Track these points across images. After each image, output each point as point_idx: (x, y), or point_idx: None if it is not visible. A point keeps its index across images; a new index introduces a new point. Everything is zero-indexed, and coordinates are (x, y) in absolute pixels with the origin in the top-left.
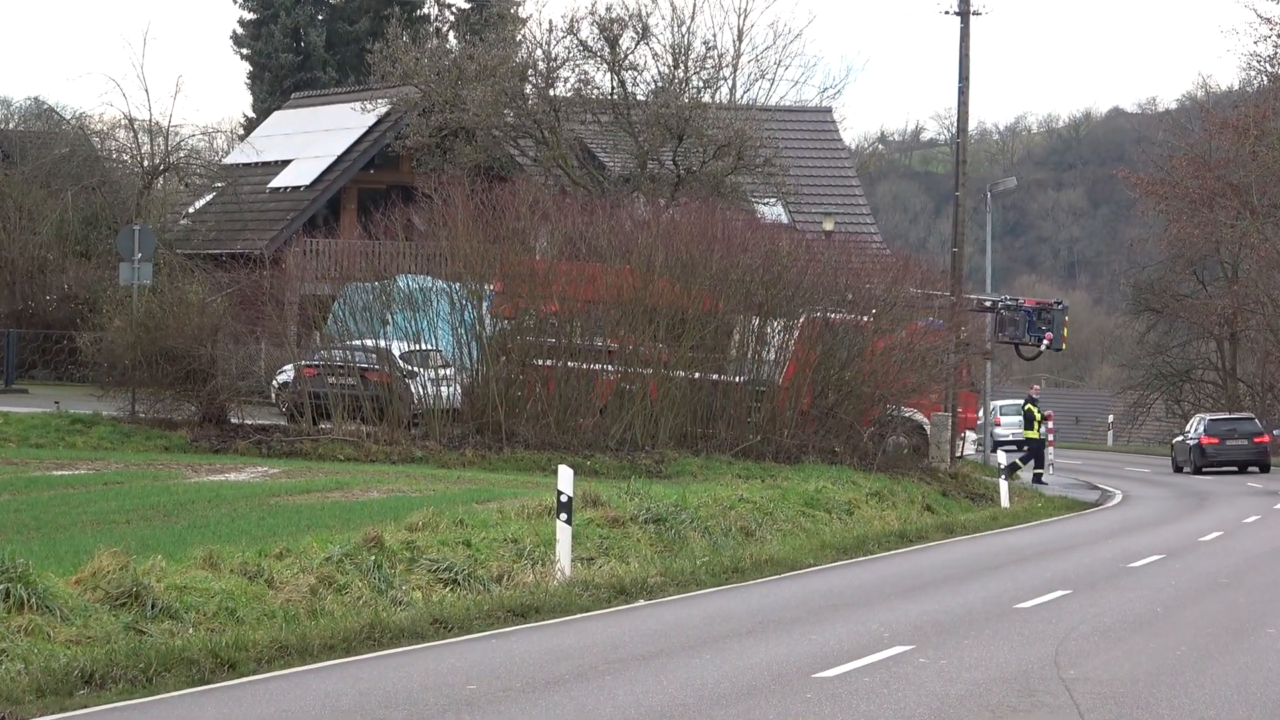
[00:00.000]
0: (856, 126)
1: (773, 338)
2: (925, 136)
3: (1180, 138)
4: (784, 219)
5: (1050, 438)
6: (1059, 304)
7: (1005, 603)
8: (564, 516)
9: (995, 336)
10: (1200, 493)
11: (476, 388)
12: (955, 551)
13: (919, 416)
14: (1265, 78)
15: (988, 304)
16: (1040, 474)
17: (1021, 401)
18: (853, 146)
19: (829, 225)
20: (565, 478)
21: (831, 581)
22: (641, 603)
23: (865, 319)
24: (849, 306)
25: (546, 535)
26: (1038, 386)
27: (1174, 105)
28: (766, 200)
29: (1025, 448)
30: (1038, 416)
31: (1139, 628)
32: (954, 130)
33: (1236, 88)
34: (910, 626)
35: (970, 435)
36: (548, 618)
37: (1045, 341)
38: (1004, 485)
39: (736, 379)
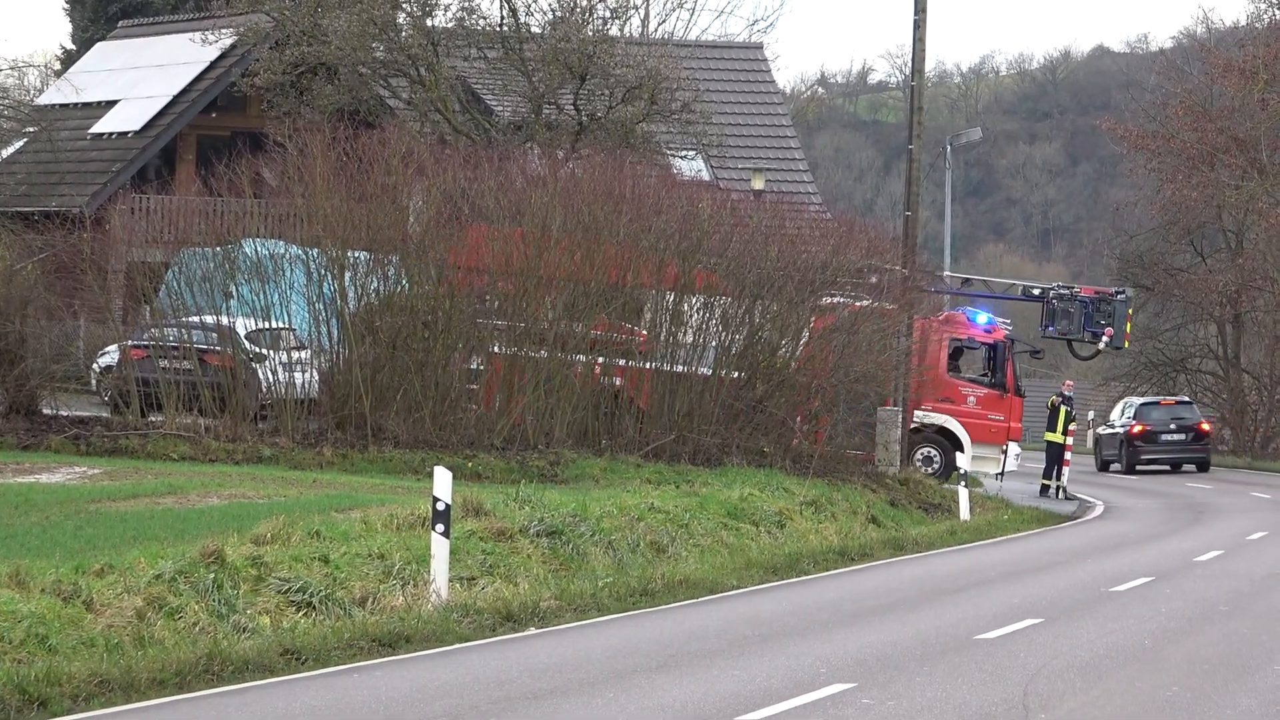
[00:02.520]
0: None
1: (691, 316)
2: (874, 79)
3: (1176, 82)
4: (705, 175)
5: (1069, 442)
6: (1120, 293)
7: (965, 633)
8: (440, 528)
9: (1044, 331)
10: (1196, 504)
11: (337, 374)
12: (906, 572)
13: (949, 422)
14: (1276, 11)
15: (1035, 292)
16: (1049, 485)
17: (1052, 398)
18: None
19: (759, 183)
20: (442, 482)
21: (759, 607)
22: (532, 631)
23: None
24: (782, 278)
25: (420, 550)
26: (1071, 383)
27: (1169, 44)
28: (685, 153)
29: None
30: (1062, 419)
31: (1123, 663)
32: (907, 72)
33: (1243, 23)
34: (852, 661)
35: (1014, 449)
36: (420, 648)
37: (1105, 338)
38: (963, 494)
39: (647, 365)
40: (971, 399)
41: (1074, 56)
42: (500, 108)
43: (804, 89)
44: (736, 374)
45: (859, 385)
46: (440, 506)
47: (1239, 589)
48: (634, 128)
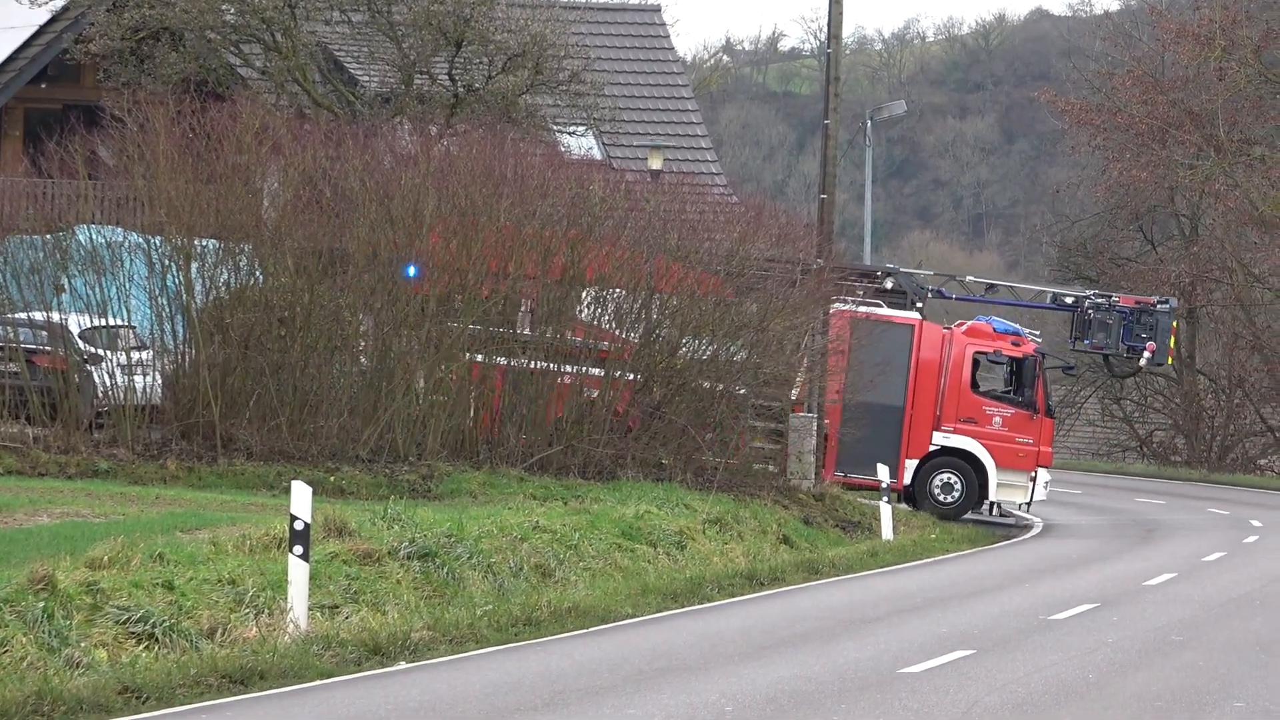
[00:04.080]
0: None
1: (580, 311)
2: (785, 46)
3: (1123, 49)
4: (597, 154)
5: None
6: (1164, 302)
7: (888, 666)
8: (299, 550)
9: (1075, 344)
10: (1146, 521)
11: (183, 377)
12: (821, 598)
13: (971, 444)
14: None
15: (1068, 301)
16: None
17: None
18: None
19: (656, 162)
20: (301, 498)
21: (656, 637)
22: (403, 665)
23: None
24: (682, 268)
25: (275, 576)
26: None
27: (1115, 6)
28: (574, 129)
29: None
30: None
31: (1064, 700)
32: (823, 38)
33: None
34: (761, 698)
35: (1044, 476)
36: (276, 685)
37: (1146, 354)
38: (886, 511)
39: (531, 366)
40: (997, 419)
41: (1009, 21)
42: (366, 78)
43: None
44: (632, 376)
45: (769, 389)
46: (298, 526)
47: (1194, 617)
48: (516, 100)
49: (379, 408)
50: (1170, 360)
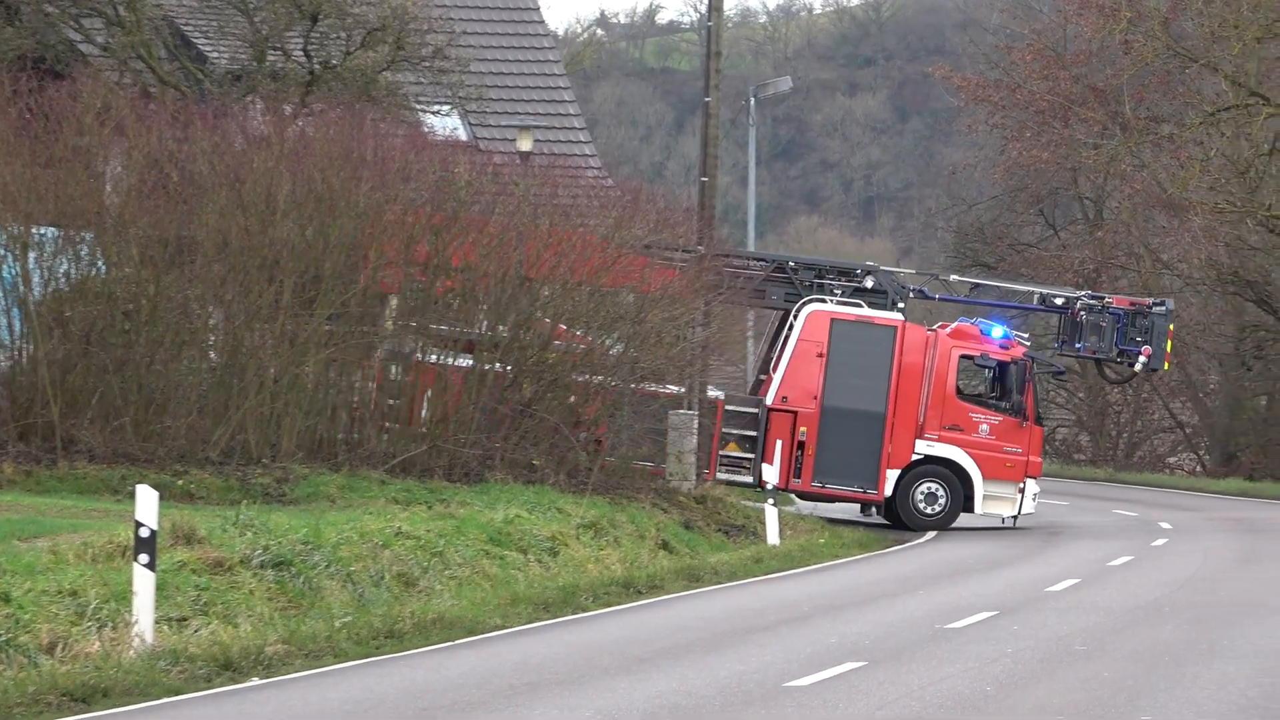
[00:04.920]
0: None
1: (447, 303)
2: (663, 18)
3: (1023, 22)
4: (463, 134)
5: None
6: (1160, 304)
7: (773, 679)
8: (145, 559)
9: (1065, 348)
10: (1048, 524)
11: (19, 375)
12: (703, 607)
13: (956, 453)
14: None
15: (1058, 302)
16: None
17: None
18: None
19: (526, 143)
20: (147, 503)
21: (528, 649)
22: (255, 682)
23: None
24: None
25: (119, 586)
26: None
27: None
28: (438, 108)
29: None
30: None
31: (960, 714)
32: (703, 10)
33: None
34: (638, 714)
35: (1033, 487)
36: (121, 703)
37: (1142, 358)
38: (771, 514)
39: (394, 364)
40: (984, 427)
41: None
42: (216, 54)
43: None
44: (500, 368)
45: (643, 384)
46: (144, 533)
47: (1099, 625)
48: (376, 78)
49: (230, 406)
50: (1167, 365)
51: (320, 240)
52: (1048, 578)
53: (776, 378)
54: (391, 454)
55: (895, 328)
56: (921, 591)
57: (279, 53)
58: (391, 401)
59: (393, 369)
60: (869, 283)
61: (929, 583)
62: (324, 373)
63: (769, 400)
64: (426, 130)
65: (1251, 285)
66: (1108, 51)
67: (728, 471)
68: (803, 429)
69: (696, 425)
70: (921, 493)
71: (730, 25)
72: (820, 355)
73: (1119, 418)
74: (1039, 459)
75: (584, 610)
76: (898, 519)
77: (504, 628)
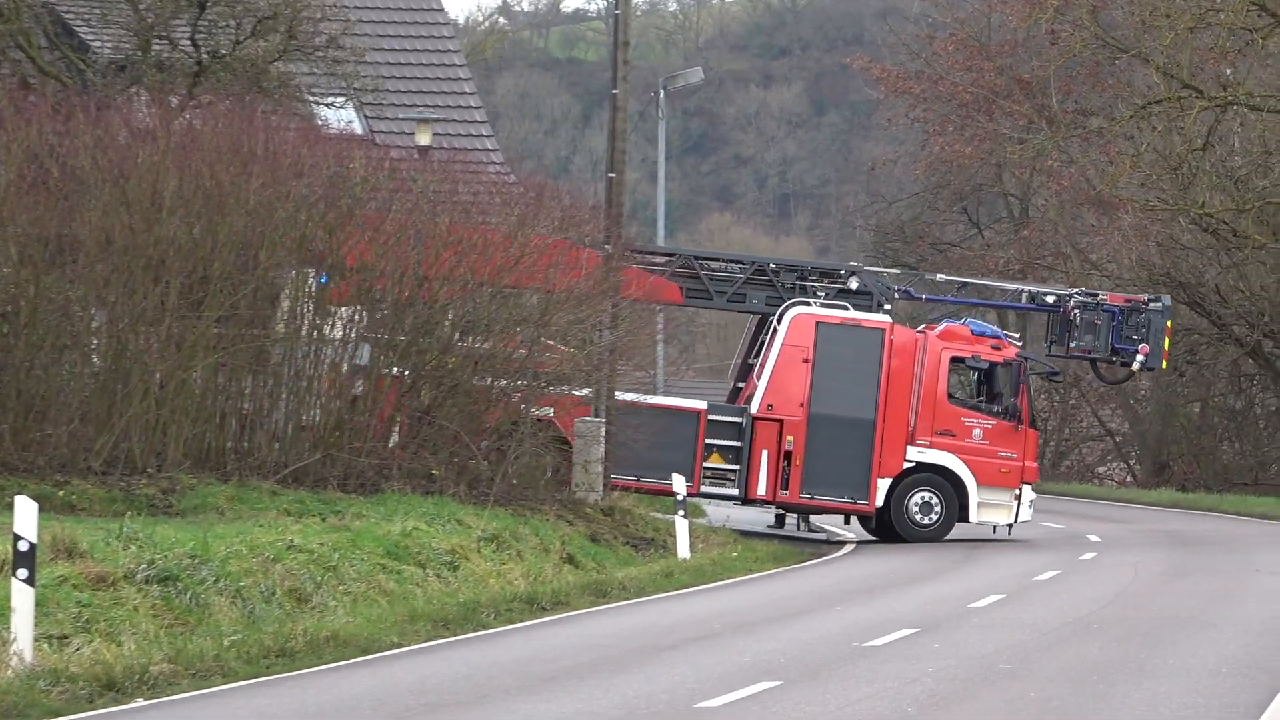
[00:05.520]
0: None
1: (340, 304)
2: (569, 7)
3: (946, 10)
4: (358, 128)
5: None
6: (1156, 299)
7: (683, 700)
8: (23, 574)
9: (1052, 347)
10: (972, 536)
11: None
12: (610, 624)
13: (949, 460)
14: None
15: (1049, 300)
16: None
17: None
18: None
19: (425, 137)
20: (25, 515)
21: (426, 669)
22: (140, 703)
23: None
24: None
25: None
26: None
27: None
28: (332, 100)
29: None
30: None
31: None
32: None
33: None
34: None
35: (1028, 493)
36: None
37: (1140, 357)
38: (682, 527)
39: (287, 366)
40: (978, 432)
41: None
42: (99, 43)
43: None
44: (397, 373)
45: (548, 392)
46: (23, 547)
47: (1025, 643)
48: (267, 68)
49: (114, 413)
50: (1165, 364)
51: (208, 239)
52: (971, 593)
53: (761, 385)
54: (283, 463)
55: (883, 330)
56: (839, 607)
57: (165, 42)
58: (283, 408)
59: (357, 383)
60: (854, 284)
61: (847, 598)
62: (213, 378)
63: (753, 409)
64: (320, 123)
65: (1184, 287)
66: (1034, 42)
67: (712, 485)
68: (789, 438)
69: (604, 433)
70: (916, 502)
71: (639, 14)
72: (806, 360)
73: (1046, 425)
74: (1035, 464)
75: (485, 627)
76: (889, 531)
77: (401, 646)
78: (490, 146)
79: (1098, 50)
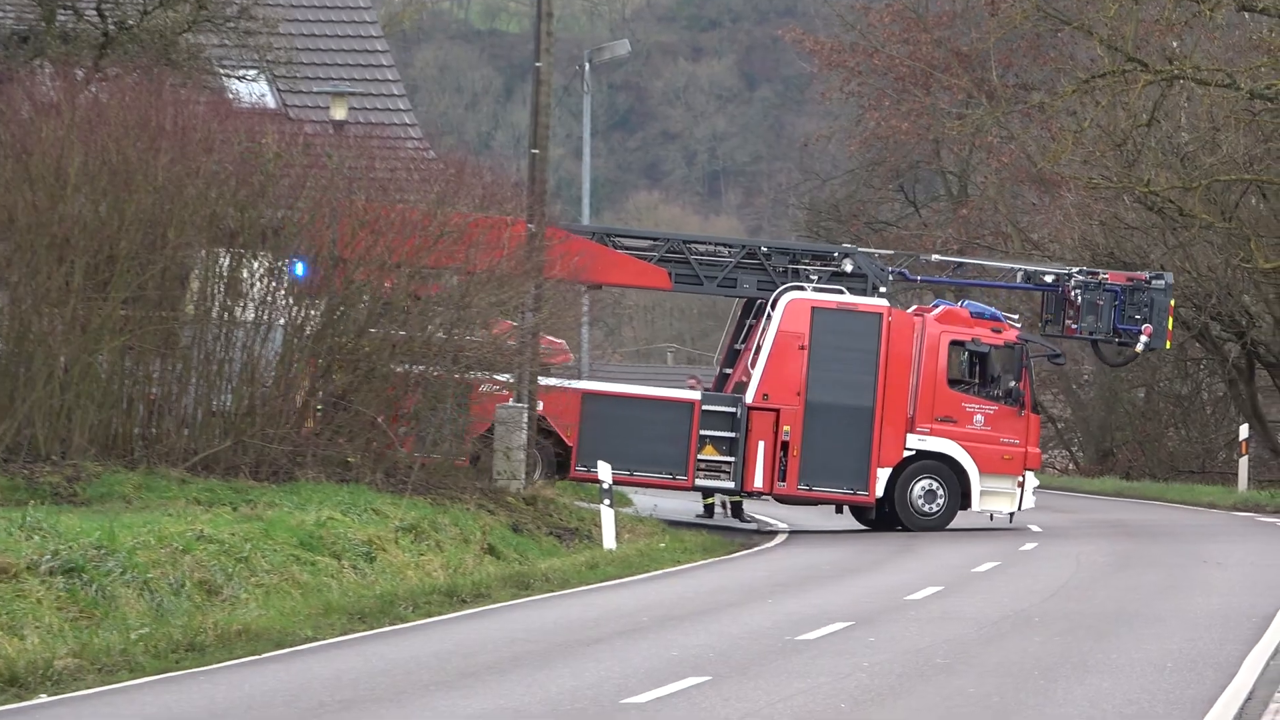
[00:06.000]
0: None
1: (251, 284)
2: None
3: None
4: (271, 102)
5: None
6: (1158, 277)
7: (609, 696)
8: None
9: (1047, 327)
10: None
11: None
12: (533, 617)
13: (951, 447)
14: None
15: (1048, 279)
16: (714, 503)
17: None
18: None
19: (340, 111)
20: None
21: (341, 664)
22: (43, 699)
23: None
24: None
25: None
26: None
27: None
28: (244, 72)
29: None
30: None
31: None
32: None
33: None
34: None
35: (1032, 479)
36: None
37: (1144, 337)
38: (607, 516)
39: (197, 349)
40: (979, 418)
41: None
42: (0, 14)
43: None
44: (311, 360)
45: (473, 375)
46: None
47: (963, 636)
48: (176, 39)
49: (16, 399)
50: (1169, 344)
51: (115, 217)
52: (907, 585)
53: (756, 374)
54: (193, 450)
55: (880, 314)
56: (770, 600)
57: (70, 12)
58: (193, 393)
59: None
60: (848, 266)
61: (778, 590)
62: (120, 361)
63: (749, 398)
64: (231, 97)
65: (1129, 268)
66: (973, 13)
67: (706, 477)
68: (786, 428)
69: (526, 419)
70: (920, 489)
71: None
72: (802, 348)
73: None
74: (1037, 450)
75: (403, 621)
76: (888, 521)
77: (315, 640)
78: (408, 121)
79: (1039, 22)
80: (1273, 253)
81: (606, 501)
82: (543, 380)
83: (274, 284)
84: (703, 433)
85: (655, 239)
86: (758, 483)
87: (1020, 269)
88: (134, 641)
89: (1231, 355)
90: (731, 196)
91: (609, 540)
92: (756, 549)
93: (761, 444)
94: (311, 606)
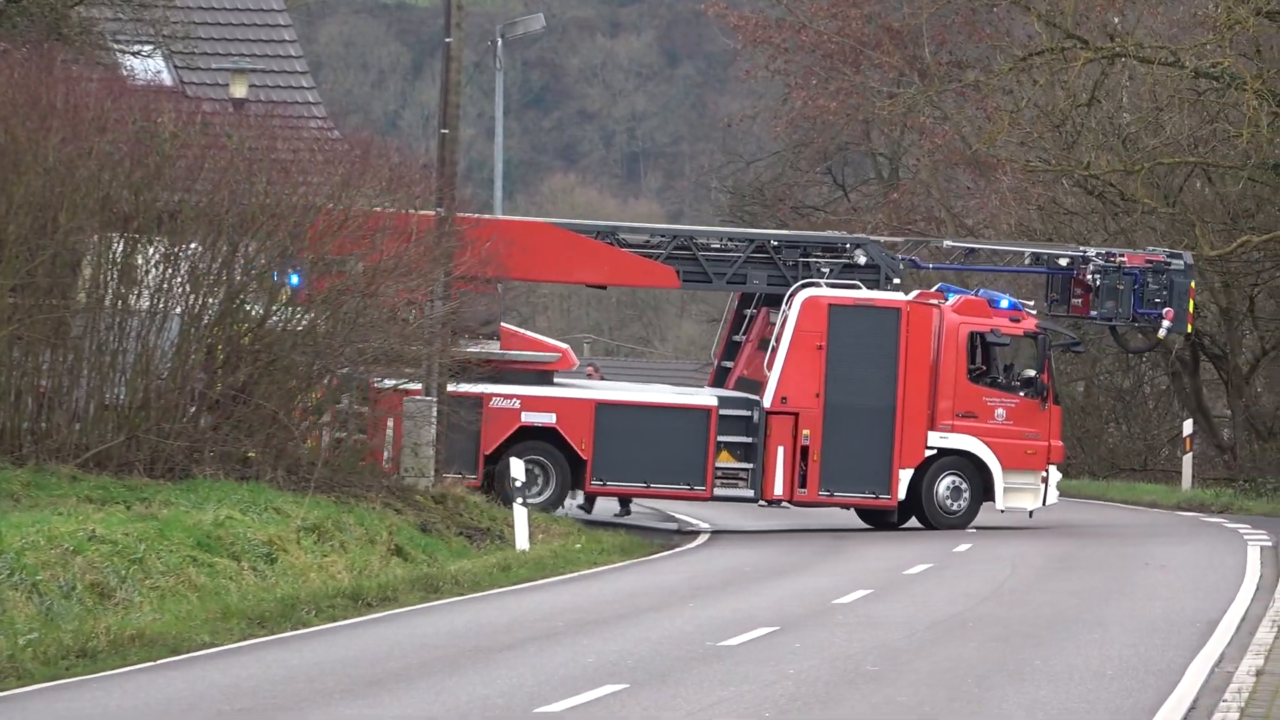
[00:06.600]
0: None
1: (147, 271)
2: None
3: None
4: (167, 78)
5: None
6: (1177, 257)
7: (521, 705)
8: None
9: (1057, 309)
10: (836, 527)
11: None
12: (442, 621)
13: (973, 444)
14: None
15: (1062, 263)
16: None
17: None
18: None
19: (241, 89)
20: None
21: (239, 672)
22: None
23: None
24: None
25: None
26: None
27: None
28: (139, 48)
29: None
30: None
31: None
32: None
33: None
34: None
35: (1055, 474)
36: None
37: (1166, 322)
38: (520, 516)
39: (89, 339)
40: (1001, 412)
41: None
42: None
43: None
44: (210, 351)
45: (379, 367)
46: None
47: (892, 642)
48: (67, 13)
49: None
50: (1190, 328)
51: (2, 200)
52: (835, 588)
53: (773, 376)
54: (84, 446)
55: (900, 309)
56: (692, 604)
57: None
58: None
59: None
60: (860, 258)
61: (700, 594)
62: (7, 352)
63: (766, 402)
64: (126, 74)
65: None
66: None
67: (724, 486)
68: (805, 431)
69: (435, 413)
70: (946, 488)
71: None
72: (820, 347)
73: None
74: (1060, 443)
75: (306, 625)
76: (914, 521)
77: (213, 646)
78: (312, 99)
79: None
80: (1219, 239)
81: (520, 500)
82: (550, 390)
83: (170, 270)
84: (719, 439)
85: (660, 234)
86: (778, 490)
87: (1031, 250)
88: (22, 647)
89: (1175, 347)
90: (651, 179)
91: (522, 541)
92: (677, 550)
93: (781, 449)
94: (209, 610)
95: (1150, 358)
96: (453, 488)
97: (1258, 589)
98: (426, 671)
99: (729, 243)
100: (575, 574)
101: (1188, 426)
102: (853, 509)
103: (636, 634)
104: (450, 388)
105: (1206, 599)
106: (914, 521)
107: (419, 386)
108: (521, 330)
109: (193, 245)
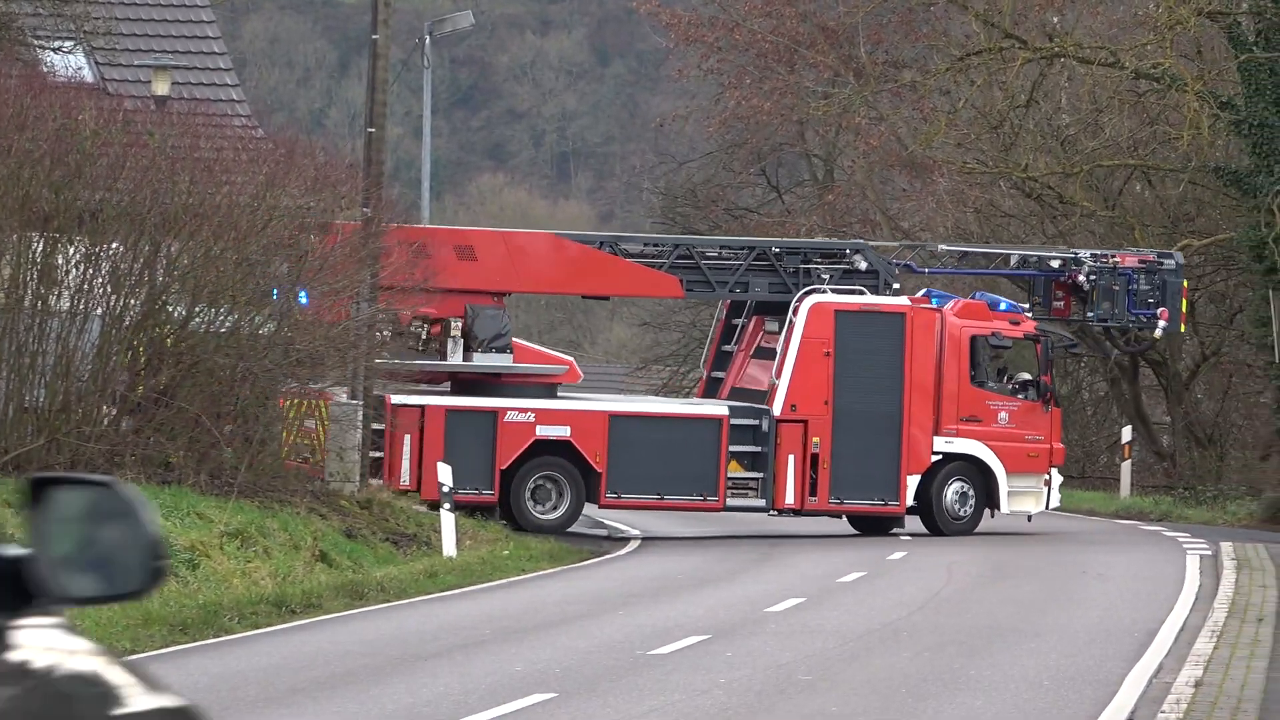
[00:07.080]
0: None
1: (67, 271)
2: None
3: None
4: (88, 75)
5: None
6: (1169, 257)
7: (447, 713)
8: None
9: (1039, 311)
10: (768, 533)
11: None
12: (367, 629)
13: (977, 448)
14: None
15: (1054, 264)
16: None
17: None
18: None
19: (163, 86)
20: None
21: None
22: None
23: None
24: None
25: None
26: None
27: None
28: (59, 44)
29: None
30: None
31: None
32: None
33: None
34: None
35: (1057, 477)
36: None
37: (1162, 323)
38: (448, 521)
39: (7, 340)
40: (1003, 415)
41: None
42: None
43: None
44: (131, 353)
45: (303, 370)
46: None
47: (826, 651)
48: None
49: None
50: (1184, 328)
51: None
52: (767, 596)
53: (782, 384)
54: (3, 449)
55: (904, 314)
56: (621, 612)
57: None
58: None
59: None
60: (861, 264)
61: (630, 601)
62: None
63: (776, 410)
64: (46, 70)
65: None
66: None
67: (735, 496)
68: (815, 439)
69: (361, 416)
70: (954, 493)
71: None
72: (827, 354)
73: None
74: (1061, 445)
75: (228, 632)
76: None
77: (133, 653)
78: (236, 97)
79: None
80: (1159, 243)
81: (446, 505)
82: (562, 403)
83: (91, 271)
84: (730, 449)
85: (661, 244)
86: (789, 499)
87: (1020, 253)
88: None
89: (1114, 353)
90: (582, 180)
91: (449, 547)
92: (607, 557)
93: (791, 457)
94: (129, 617)
95: (1089, 363)
96: (379, 493)
97: (1196, 598)
98: (351, 680)
99: (724, 251)
100: (503, 581)
101: (1126, 433)
102: (844, 516)
103: (565, 642)
104: (464, 402)
105: (1145, 608)
106: (838, 529)
107: (344, 390)
108: (528, 343)
109: (114, 245)
